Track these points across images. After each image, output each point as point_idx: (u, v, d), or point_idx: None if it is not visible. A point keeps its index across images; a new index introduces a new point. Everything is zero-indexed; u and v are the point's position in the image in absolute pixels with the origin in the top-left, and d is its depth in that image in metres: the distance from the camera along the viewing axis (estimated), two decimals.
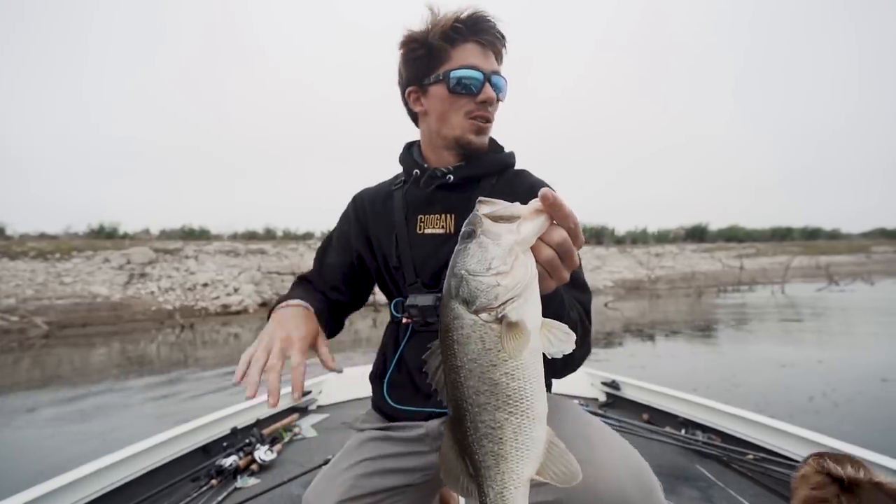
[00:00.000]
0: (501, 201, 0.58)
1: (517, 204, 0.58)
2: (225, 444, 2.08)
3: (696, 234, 41.35)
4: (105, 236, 22.86)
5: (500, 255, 0.54)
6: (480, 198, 0.59)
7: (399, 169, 1.13)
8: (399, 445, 0.99)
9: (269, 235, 28.51)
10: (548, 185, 1.04)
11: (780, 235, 46.48)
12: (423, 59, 0.99)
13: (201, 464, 1.92)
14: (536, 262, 0.58)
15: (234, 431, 2.18)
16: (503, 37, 0.99)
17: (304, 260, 20.06)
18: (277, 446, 2.14)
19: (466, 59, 0.96)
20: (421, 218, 1.02)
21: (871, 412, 4.00)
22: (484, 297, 0.54)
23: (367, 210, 1.10)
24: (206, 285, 16.58)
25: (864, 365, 5.75)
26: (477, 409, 0.56)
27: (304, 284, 1.12)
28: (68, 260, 16.67)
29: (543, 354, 0.58)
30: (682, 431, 2.13)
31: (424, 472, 0.98)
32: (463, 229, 0.58)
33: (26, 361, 8.95)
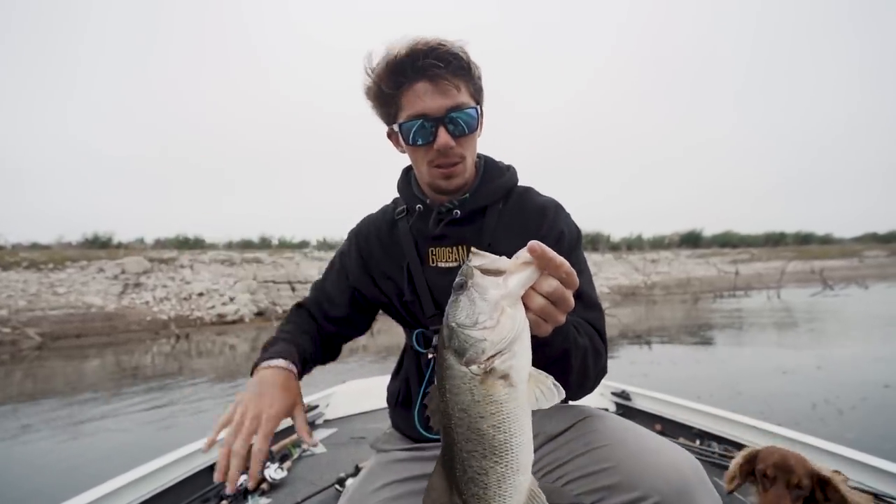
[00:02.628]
0: (489, 254, 0.59)
1: (503, 258, 0.58)
2: None
3: (691, 240, 41.64)
4: (99, 246, 22.65)
5: (486, 311, 0.55)
6: (473, 249, 0.60)
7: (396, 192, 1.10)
8: (429, 465, 0.97)
9: (265, 244, 28.39)
10: (556, 202, 1.04)
11: (774, 240, 46.91)
12: (383, 107, 0.94)
13: (210, 485, 1.87)
14: (529, 310, 0.59)
15: None
16: (459, 60, 0.88)
17: (300, 269, 19.94)
18: (287, 463, 2.09)
19: (415, 106, 0.88)
20: (433, 251, 1.00)
21: (876, 419, 4.00)
22: (472, 351, 0.55)
23: (371, 244, 1.07)
24: (201, 295, 16.44)
25: (866, 371, 5.77)
26: (465, 455, 0.58)
27: (300, 315, 1.11)
28: (62, 270, 16.47)
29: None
30: (697, 443, 2.11)
31: None
32: (456, 280, 0.59)
33: (19, 374, 8.79)
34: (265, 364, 0.90)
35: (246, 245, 27.47)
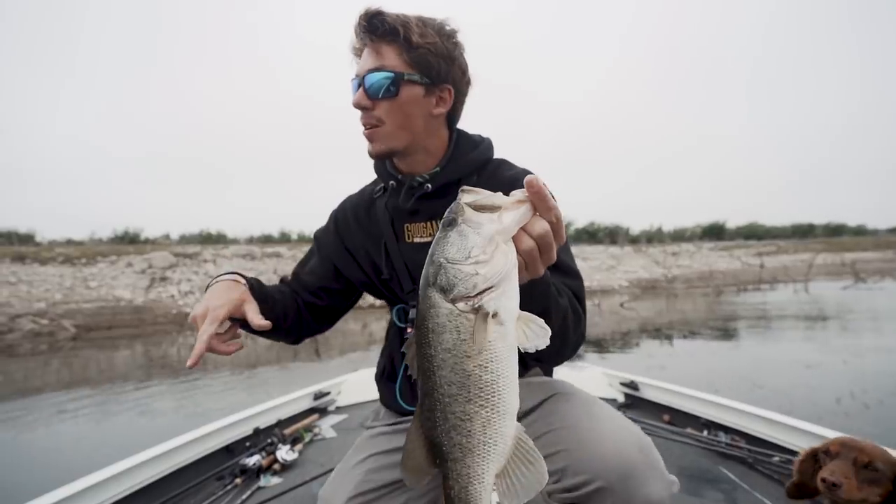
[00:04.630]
0: (484, 190, 0.57)
1: (499, 194, 0.57)
2: (248, 443, 2.12)
3: (714, 232, 40.46)
4: (128, 241, 23.51)
5: (479, 244, 0.53)
6: (463, 186, 0.58)
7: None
8: None
9: (285, 238, 28.96)
10: (530, 173, 1.02)
11: (802, 232, 45.14)
12: None
13: (225, 463, 1.97)
14: (516, 252, 0.57)
15: (257, 432, 2.23)
16: (385, 25, 0.88)
17: None
18: (298, 446, 2.18)
19: (357, 68, 0.95)
20: (407, 227, 1.01)
21: None
22: (462, 286, 0.53)
23: (349, 222, 1.10)
24: None
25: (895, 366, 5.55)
26: (448, 400, 0.55)
27: (279, 285, 1.12)
28: (94, 265, 17.18)
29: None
30: (705, 433, 2.10)
31: None
32: (444, 217, 0.57)
33: (56, 363, 9.26)
34: (213, 280, 0.95)
35: (266, 240, 28.09)
